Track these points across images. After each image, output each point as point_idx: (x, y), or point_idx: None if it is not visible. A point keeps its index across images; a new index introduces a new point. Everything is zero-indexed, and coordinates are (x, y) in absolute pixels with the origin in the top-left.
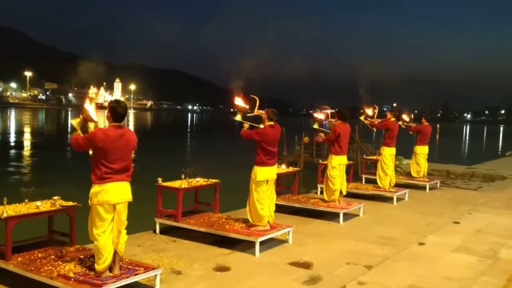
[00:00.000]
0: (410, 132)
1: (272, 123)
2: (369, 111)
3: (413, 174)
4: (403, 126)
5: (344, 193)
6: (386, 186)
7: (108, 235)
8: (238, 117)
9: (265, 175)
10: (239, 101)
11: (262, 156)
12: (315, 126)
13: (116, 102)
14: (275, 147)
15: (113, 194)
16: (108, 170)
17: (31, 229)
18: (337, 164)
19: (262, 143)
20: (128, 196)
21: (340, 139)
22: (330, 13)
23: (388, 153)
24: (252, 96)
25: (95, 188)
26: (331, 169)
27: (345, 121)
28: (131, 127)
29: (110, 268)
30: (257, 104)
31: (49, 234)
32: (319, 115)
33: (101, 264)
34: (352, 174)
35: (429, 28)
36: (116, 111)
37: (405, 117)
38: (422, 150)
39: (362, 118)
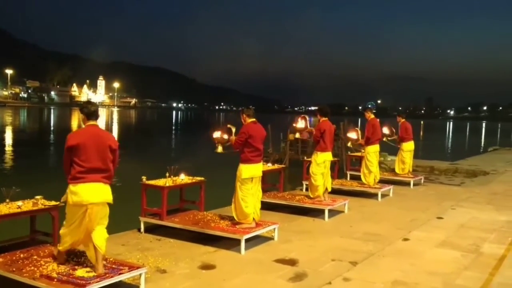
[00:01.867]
0: (398, 144)
1: (253, 119)
2: (353, 135)
3: (397, 171)
4: (387, 141)
5: (329, 189)
6: (371, 183)
7: (75, 233)
8: (220, 149)
9: (250, 173)
10: (217, 134)
11: (247, 154)
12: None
13: (85, 102)
14: (260, 144)
15: (86, 195)
16: (81, 169)
17: (13, 229)
18: (322, 160)
19: (248, 139)
20: (104, 197)
21: (325, 136)
22: (315, 11)
23: (372, 150)
24: (228, 126)
25: (69, 188)
26: (315, 166)
27: (327, 117)
28: (115, 125)
29: (93, 267)
30: (233, 132)
31: (32, 234)
32: (299, 124)
33: (62, 245)
34: (337, 170)
35: (413, 26)
36: (89, 109)
37: (385, 130)
38: (408, 147)
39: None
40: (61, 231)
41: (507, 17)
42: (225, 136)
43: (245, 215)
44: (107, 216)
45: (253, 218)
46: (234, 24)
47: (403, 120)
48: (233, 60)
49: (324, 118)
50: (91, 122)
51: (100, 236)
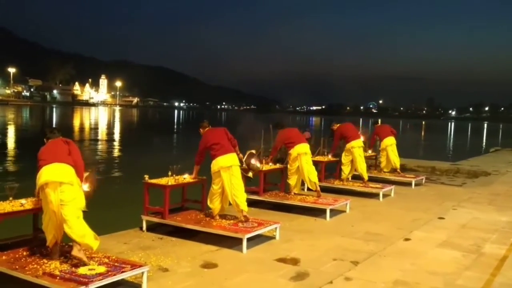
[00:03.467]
0: (371, 149)
1: (208, 128)
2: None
3: (385, 169)
4: (369, 153)
5: (316, 180)
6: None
7: (49, 218)
8: (250, 174)
9: (218, 164)
10: (254, 162)
11: (211, 152)
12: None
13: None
14: (219, 139)
15: (45, 176)
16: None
17: (16, 227)
18: (296, 153)
19: (207, 144)
20: (59, 178)
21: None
22: (317, 12)
23: (349, 146)
24: (253, 151)
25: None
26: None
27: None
28: (117, 124)
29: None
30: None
31: (34, 232)
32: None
33: (48, 240)
34: (338, 170)
35: (414, 27)
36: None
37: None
38: (388, 141)
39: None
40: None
41: (509, 17)
42: (258, 164)
43: (216, 208)
44: (77, 199)
45: (242, 211)
46: (237, 24)
47: (337, 125)
48: (235, 60)
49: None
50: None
51: (70, 227)
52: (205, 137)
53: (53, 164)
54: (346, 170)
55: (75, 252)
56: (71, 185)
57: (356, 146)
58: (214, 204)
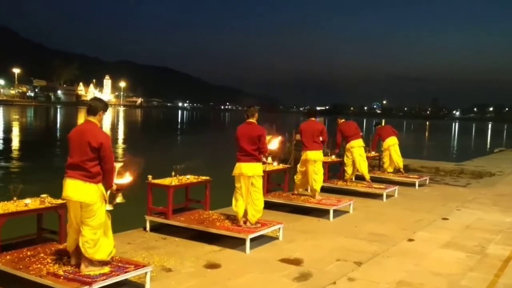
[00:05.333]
0: (374, 150)
1: (250, 119)
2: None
3: (389, 169)
4: (372, 154)
5: (316, 189)
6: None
7: (70, 227)
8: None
9: (237, 170)
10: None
11: (236, 152)
12: None
13: (92, 98)
14: (245, 144)
15: (65, 190)
16: (66, 164)
17: (20, 227)
18: (303, 158)
19: (236, 140)
20: (77, 196)
21: (302, 136)
22: (320, 13)
23: (349, 146)
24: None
25: None
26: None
27: (310, 118)
28: (121, 124)
29: (77, 265)
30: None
31: (38, 232)
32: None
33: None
34: (342, 171)
35: (418, 27)
36: (89, 105)
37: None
38: (390, 142)
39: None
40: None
41: None
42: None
43: (235, 212)
44: (97, 218)
45: (243, 220)
46: (239, 24)
47: (341, 121)
48: (238, 60)
49: (311, 119)
50: (88, 118)
51: (83, 236)
52: (237, 131)
53: (74, 181)
54: (349, 170)
55: (82, 260)
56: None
57: (356, 146)
58: (233, 208)
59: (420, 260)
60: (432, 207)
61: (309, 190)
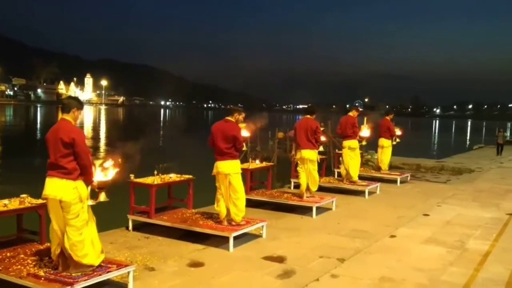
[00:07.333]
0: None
1: (229, 118)
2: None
3: (384, 167)
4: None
5: (313, 189)
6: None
7: (52, 233)
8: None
9: (215, 169)
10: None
11: (215, 152)
12: None
13: (67, 96)
14: (220, 142)
15: (44, 189)
16: (47, 164)
17: None
18: (299, 157)
19: (212, 138)
20: (55, 193)
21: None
22: (302, 12)
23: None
24: None
25: None
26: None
27: (306, 115)
28: (102, 123)
29: (57, 266)
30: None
31: (18, 233)
32: None
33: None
34: (325, 168)
35: (398, 24)
36: (62, 103)
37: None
38: (385, 143)
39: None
40: None
41: (491, 17)
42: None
43: (217, 211)
44: (80, 218)
45: (226, 219)
46: (222, 22)
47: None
48: (221, 59)
49: (307, 116)
50: (62, 116)
51: (69, 238)
52: (212, 129)
53: (52, 179)
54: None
55: (69, 263)
56: None
57: (346, 146)
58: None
59: (402, 256)
60: (414, 204)
61: (292, 187)
